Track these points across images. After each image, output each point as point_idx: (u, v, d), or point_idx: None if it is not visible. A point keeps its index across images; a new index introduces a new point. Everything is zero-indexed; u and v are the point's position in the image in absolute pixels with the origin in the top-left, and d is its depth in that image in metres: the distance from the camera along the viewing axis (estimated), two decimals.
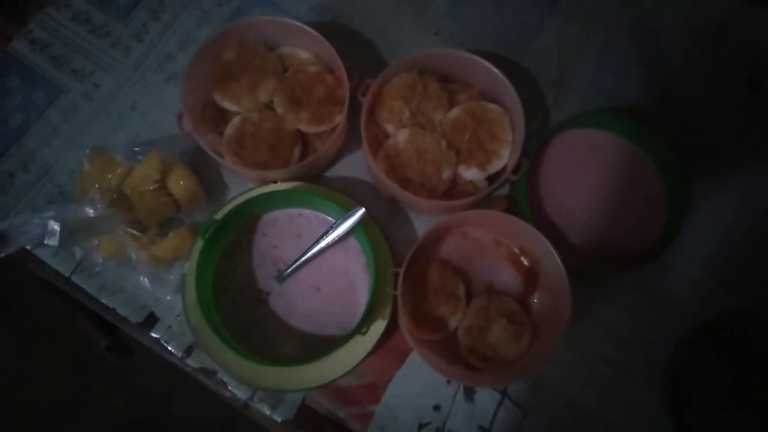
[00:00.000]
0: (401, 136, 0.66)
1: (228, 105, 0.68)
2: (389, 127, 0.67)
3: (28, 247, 0.67)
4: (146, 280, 0.65)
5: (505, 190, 0.71)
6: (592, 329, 0.67)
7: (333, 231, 0.62)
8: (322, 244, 0.63)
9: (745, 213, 0.71)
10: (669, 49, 0.78)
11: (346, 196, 0.68)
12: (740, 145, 0.74)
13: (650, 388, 0.65)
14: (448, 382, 0.66)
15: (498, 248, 0.68)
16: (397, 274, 0.60)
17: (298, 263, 0.64)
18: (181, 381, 1.23)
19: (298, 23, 0.66)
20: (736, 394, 0.65)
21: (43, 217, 0.58)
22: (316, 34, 0.66)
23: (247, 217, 0.67)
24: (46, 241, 0.55)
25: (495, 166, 0.66)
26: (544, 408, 0.65)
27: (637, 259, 0.66)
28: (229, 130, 0.67)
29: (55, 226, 0.55)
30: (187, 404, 1.26)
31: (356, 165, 0.72)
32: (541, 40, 0.77)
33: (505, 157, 0.66)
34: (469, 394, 0.65)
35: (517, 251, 0.67)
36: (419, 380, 0.66)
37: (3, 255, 0.65)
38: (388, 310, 0.63)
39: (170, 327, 0.67)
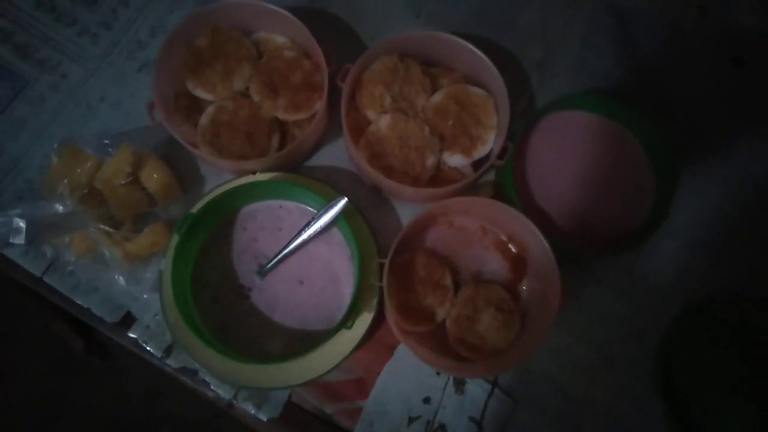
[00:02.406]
0: (383, 123, 0.64)
1: (201, 93, 0.65)
2: (370, 114, 0.65)
3: None
4: (121, 278, 0.63)
5: (490, 176, 0.70)
6: (581, 314, 0.66)
7: (315, 222, 0.60)
8: (305, 235, 0.60)
9: (731, 193, 0.70)
10: (654, 28, 0.76)
11: (327, 186, 0.66)
12: (727, 124, 0.73)
13: (641, 371, 0.64)
14: (438, 374, 0.64)
15: (485, 236, 0.66)
16: (382, 265, 0.58)
17: (279, 256, 0.62)
18: (165, 381, 1.21)
19: (273, 6, 0.63)
20: (727, 375, 0.64)
21: (8, 215, 0.55)
22: (291, 17, 0.63)
23: (226, 211, 0.64)
24: (11, 240, 0.52)
25: (480, 152, 0.64)
26: (536, 396, 0.64)
27: (626, 241, 0.64)
28: (204, 119, 0.64)
29: (21, 224, 0.52)
30: (172, 405, 1.24)
31: (337, 154, 0.70)
32: (524, 19, 0.75)
33: (490, 141, 0.64)
34: (459, 385, 0.64)
35: (504, 238, 0.66)
36: (408, 373, 0.64)
37: None
38: (374, 303, 0.61)
39: (148, 326, 0.65)
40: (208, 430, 1.23)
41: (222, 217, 0.64)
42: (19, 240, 0.52)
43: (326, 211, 0.59)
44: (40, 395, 1.25)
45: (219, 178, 0.67)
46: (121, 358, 1.22)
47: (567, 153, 0.68)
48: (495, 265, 0.66)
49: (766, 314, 0.65)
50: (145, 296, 0.64)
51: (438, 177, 0.65)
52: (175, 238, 0.58)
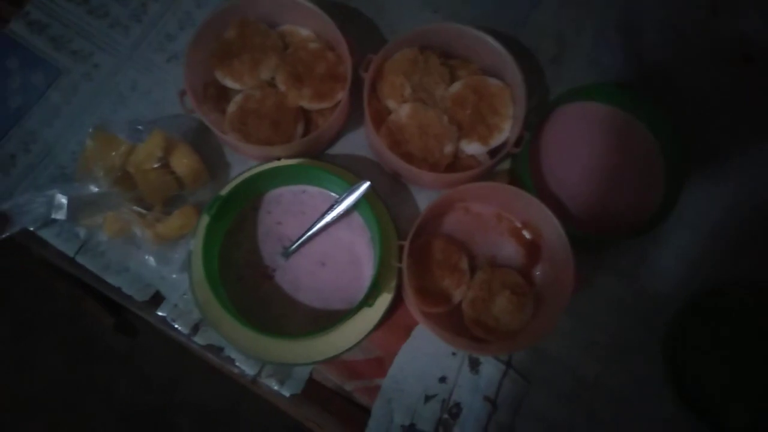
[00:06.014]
0: (403, 112, 0.67)
1: (230, 83, 0.68)
2: (391, 103, 0.68)
3: (31, 228, 0.67)
4: (151, 258, 0.65)
5: (506, 165, 0.72)
6: (593, 299, 0.68)
7: (338, 204, 0.62)
8: (328, 218, 0.63)
9: (741, 184, 0.72)
10: (664, 26, 0.78)
11: (349, 172, 0.68)
12: (736, 118, 0.75)
13: (650, 356, 0.66)
14: (454, 354, 0.66)
15: (500, 222, 0.69)
16: (401, 247, 0.61)
17: (303, 239, 0.64)
18: (186, 368, 1.24)
19: None
20: (733, 361, 0.66)
21: (47, 195, 0.58)
22: (317, 9, 0.66)
23: (252, 194, 0.67)
24: (53, 215, 0.55)
25: (497, 140, 0.67)
26: (548, 377, 0.66)
27: (637, 228, 0.66)
28: (232, 107, 0.67)
29: (63, 200, 0.55)
30: (192, 392, 1.26)
31: (358, 142, 0.72)
32: (539, 16, 0.78)
33: (506, 130, 0.67)
34: (475, 365, 0.66)
35: (519, 225, 0.68)
36: (425, 353, 0.66)
37: (6, 235, 0.65)
38: (393, 284, 0.63)
39: (176, 305, 0.67)
40: (225, 418, 1.26)
41: (248, 200, 0.67)
42: (61, 215, 0.55)
43: (349, 194, 0.61)
44: (61, 381, 1.28)
45: (244, 164, 0.70)
46: (145, 345, 1.25)
47: (580, 142, 0.70)
48: (510, 250, 0.68)
49: None
50: (174, 276, 0.67)
51: (455, 164, 0.68)
52: (205, 219, 0.61)
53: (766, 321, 0.66)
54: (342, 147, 0.72)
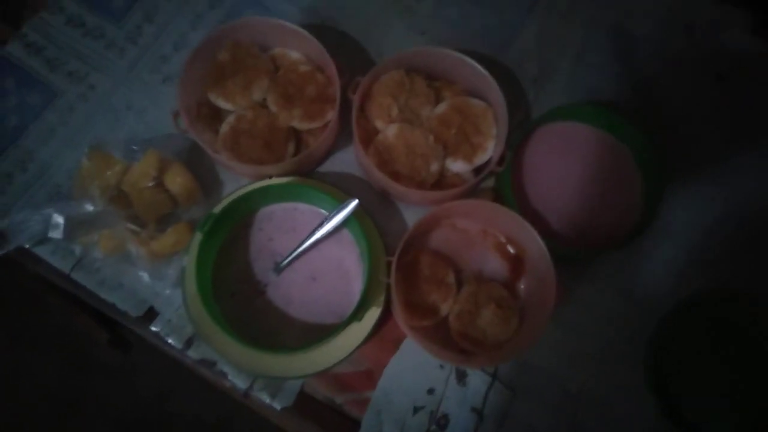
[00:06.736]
0: (390, 132, 0.69)
1: (222, 103, 0.70)
2: (378, 123, 0.70)
3: (27, 246, 0.68)
4: (146, 275, 0.67)
5: (490, 183, 0.74)
6: (577, 311, 0.70)
7: (328, 222, 0.64)
8: (318, 235, 0.65)
9: (718, 197, 0.75)
10: (643, 46, 0.81)
11: (338, 189, 0.70)
12: (711, 136, 0.77)
13: (634, 366, 0.68)
14: (441, 366, 0.68)
15: (485, 238, 0.71)
16: (389, 263, 0.63)
17: (294, 255, 0.66)
18: (179, 381, 1.25)
19: (290, 24, 0.68)
20: (714, 369, 0.68)
21: (44, 213, 0.60)
22: (307, 34, 0.68)
23: (244, 212, 0.69)
24: (50, 234, 0.56)
25: (480, 159, 0.69)
26: (534, 388, 0.68)
27: (617, 241, 0.69)
28: (225, 128, 0.69)
29: (59, 219, 0.56)
30: (185, 404, 1.27)
31: (347, 161, 0.75)
32: (522, 39, 0.81)
33: (489, 149, 0.69)
34: (462, 377, 0.68)
35: (503, 240, 0.70)
36: (413, 366, 0.68)
37: (2, 253, 0.66)
38: (381, 298, 0.65)
39: (170, 320, 0.68)
40: (217, 430, 1.27)
41: (241, 218, 0.68)
42: (57, 234, 0.56)
43: (339, 211, 0.64)
44: (56, 395, 1.28)
45: (237, 183, 0.72)
46: (139, 358, 1.25)
47: (560, 161, 0.72)
48: (495, 265, 0.70)
49: (751, 310, 0.68)
50: (168, 292, 0.68)
51: (441, 182, 0.70)
52: (198, 236, 0.63)
53: (749, 330, 0.68)
54: (332, 165, 0.75)
